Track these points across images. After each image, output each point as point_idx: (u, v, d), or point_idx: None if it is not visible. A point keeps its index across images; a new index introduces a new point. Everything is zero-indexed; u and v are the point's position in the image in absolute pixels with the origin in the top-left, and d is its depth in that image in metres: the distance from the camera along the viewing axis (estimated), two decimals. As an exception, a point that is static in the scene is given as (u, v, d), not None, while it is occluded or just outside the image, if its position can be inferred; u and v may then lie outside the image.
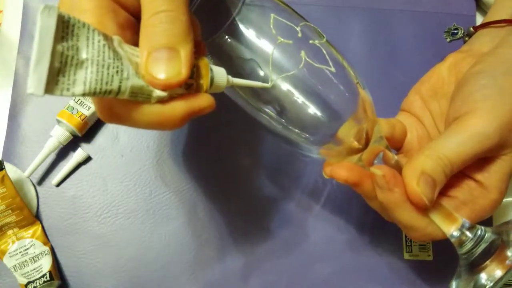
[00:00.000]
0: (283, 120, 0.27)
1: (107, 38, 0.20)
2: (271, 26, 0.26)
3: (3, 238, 0.39)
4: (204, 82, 0.23)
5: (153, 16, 0.21)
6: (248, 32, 0.26)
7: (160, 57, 0.21)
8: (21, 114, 0.42)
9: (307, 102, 0.26)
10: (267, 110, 0.27)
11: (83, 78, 0.19)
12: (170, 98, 0.22)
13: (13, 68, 0.43)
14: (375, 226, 0.41)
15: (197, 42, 0.24)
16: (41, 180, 0.41)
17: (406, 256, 0.41)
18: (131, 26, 0.24)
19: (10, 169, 0.40)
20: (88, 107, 0.40)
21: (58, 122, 0.40)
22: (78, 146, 0.42)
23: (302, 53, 0.26)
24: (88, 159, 0.42)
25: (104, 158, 0.42)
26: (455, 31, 0.40)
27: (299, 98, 0.26)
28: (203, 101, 0.23)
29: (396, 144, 0.35)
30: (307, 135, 0.28)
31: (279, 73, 0.26)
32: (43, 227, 0.40)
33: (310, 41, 0.27)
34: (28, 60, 0.43)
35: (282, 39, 0.26)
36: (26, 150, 0.41)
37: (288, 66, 0.26)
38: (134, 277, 0.39)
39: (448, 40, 0.41)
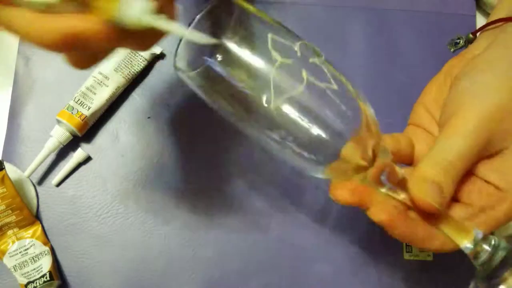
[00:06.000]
0: (286, 142, 0.26)
1: None
2: (270, 47, 0.25)
3: (3, 238, 0.39)
4: (103, 3, 0.19)
5: None
6: (244, 53, 0.25)
7: None
8: (21, 114, 0.42)
9: (308, 122, 0.26)
10: (268, 132, 0.26)
11: None
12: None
13: (13, 68, 0.43)
14: (374, 226, 0.41)
15: None
16: (41, 180, 0.41)
17: (406, 256, 0.41)
18: None
19: (10, 169, 0.40)
20: (88, 107, 0.40)
21: (58, 122, 0.40)
22: (78, 146, 0.42)
23: (304, 73, 0.25)
24: (88, 159, 0.42)
25: (104, 158, 0.42)
26: (458, 41, 0.41)
27: (300, 118, 0.26)
28: (89, 22, 0.20)
29: (405, 158, 0.34)
30: (310, 155, 0.27)
31: (281, 94, 0.25)
32: (43, 227, 0.40)
33: (310, 60, 0.26)
34: (28, 60, 0.43)
35: (281, 59, 0.25)
36: (26, 150, 0.41)
37: (289, 86, 0.25)
38: (134, 277, 0.39)
39: (452, 50, 0.41)
